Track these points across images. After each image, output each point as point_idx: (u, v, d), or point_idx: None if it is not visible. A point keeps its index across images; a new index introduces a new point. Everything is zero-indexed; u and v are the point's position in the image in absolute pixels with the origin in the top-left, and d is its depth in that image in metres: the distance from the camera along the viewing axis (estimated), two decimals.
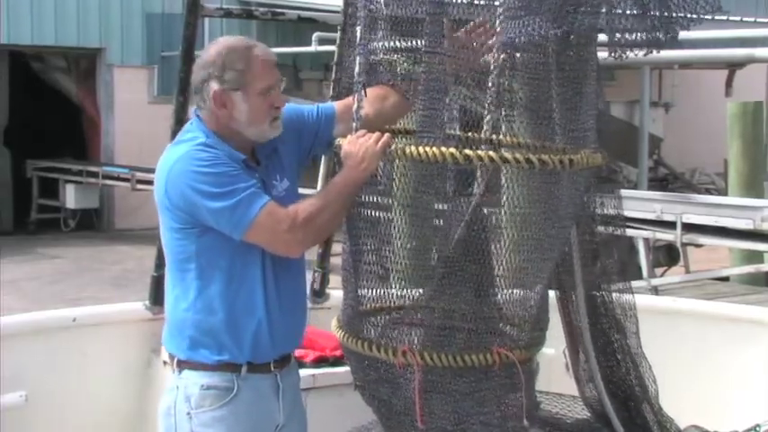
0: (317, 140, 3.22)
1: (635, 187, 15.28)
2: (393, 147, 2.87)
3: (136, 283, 11.45)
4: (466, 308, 2.94)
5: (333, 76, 3.26)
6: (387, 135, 2.91)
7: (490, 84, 2.86)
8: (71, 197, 16.18)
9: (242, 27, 17.39)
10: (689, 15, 2.78)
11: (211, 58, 2.97)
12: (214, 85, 2.95)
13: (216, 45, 3.02)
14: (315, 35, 15.37)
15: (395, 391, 2.96)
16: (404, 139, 3.16)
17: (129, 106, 16.70)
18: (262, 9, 4.99)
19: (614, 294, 3.27)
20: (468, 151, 2.76)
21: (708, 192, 17.82)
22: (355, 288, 3.05)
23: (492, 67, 2.86)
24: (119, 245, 14.97)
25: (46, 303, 10.22)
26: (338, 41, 3.17)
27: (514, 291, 2.96)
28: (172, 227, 2.99)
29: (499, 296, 2.96)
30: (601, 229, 3.25)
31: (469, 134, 2.91)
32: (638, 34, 2.82)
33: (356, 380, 3.18)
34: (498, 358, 2.88)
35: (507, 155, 2.75)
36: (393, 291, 3.02)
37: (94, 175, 15.71)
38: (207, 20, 14.10)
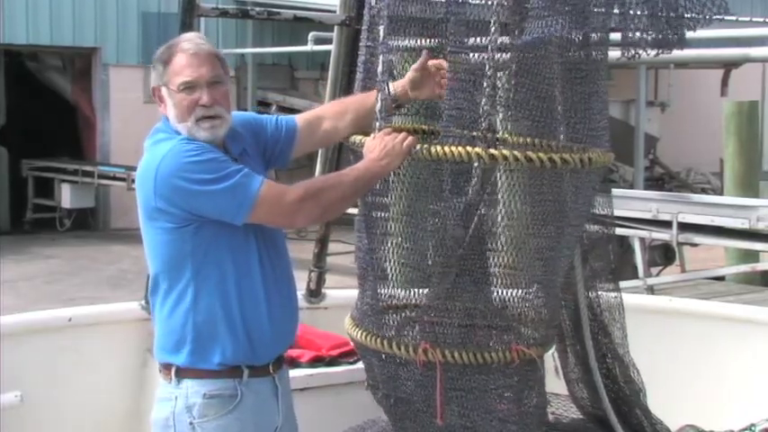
0: (277, 154, 3.17)
1: (631, 187, 15.31)
2: (418, 147, 2.87)
3: (132, 282, 11.45)
4: (485, 306, 2.96)
5: (359, 75, 3.20)
6: (412, 137, 2.92)
7: (490, 83, 2.88)
8: (67, 197, 16.16)
9: (238, 27, 17.43)
10: (696, 16, 2.79)
11: (155, 55, 2.97)
12: (152, 81, 2.97)
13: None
14: (311, 35, 15.37)
15: (415, 389, 2.97)
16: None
17: (125, 106, 16.68)
18: (258, 9, 4.98)
19: (602, 297, 3.27)
20: (493, 151, 2.78)
21: (704, 191, 17.85)
22: (374, 286, 3.05)
23: (487, 67, 2.88)
24: (114, 244, 14.97)
25: (42, 303, 10.22)
26: (363, 41, 3.14)
27: (530, 289, 2.98)
28: (164, 228, 2.90)
29: (516, 294, 2.98)
30: (593, 228, 3.26)
31: (495, 134, 2.92)
32: (649, 34, 2.83)
33: (369, 378, 3.18)
34: (517, 355, 2.91)
35: (532, 155, 2.77)
36: (412, 289, 3.04)
37: (90, 174, 15.71)
38: (203, 19, 14.08)
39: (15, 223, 16.52)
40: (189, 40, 2.96)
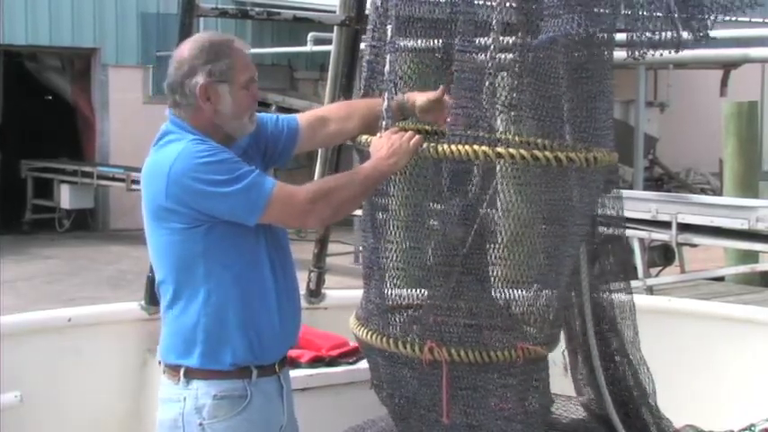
0: (278, 153, 3.18)
1: (630, 187, 15.30)
2: (425, 145, 2.89)
3: (132, 282, 11.44)
4: (489, 305, 2.97)
5: (363, 74, 3.21)
6: (419, 136, 2.94)
7: (493, 83, 2.88)
8: (66, 197, 16.17)
9: (237, 27, 17.43)
10: (710, 14, 2.79)
11: (193, 53, 2.94)
12: (200, 79, 2.92)
13: (194, 41, 3.00)
14: (310, 35, 15.37)
15: (420, 388, 2.98)
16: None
17: (124, 106, 16.70)
18: (257, 9, 4.99)
19: (613, 297, 3.27)
20: (500, 149, 2.79)
21: (703, 191, 17.86)
22: (379, 286, 3.06)
23: (493, 67, 2.89)
24: (114, 245, 14.97)
25: (42, 303, 10.21)
26: (369, 40, 3.15)
27: (535, 289, 2.98)
28: (173, 228, 2.90)
29: (520, 293, 2.99)
30: (602, 229, 3.26)
31: (501, 134, 2.92)
32: (663, 34, 2.82)
33: (374, 378, 3.18)
34: (522, 354, 2.91)
35: (539, 153, 2.78)
36: (418, 288, 3.05)
37: (89, 175, 15.72)
38: (202, 20, 14.06)
39: (13, 224, 16.50)
40: (236, 40, 3.02)
